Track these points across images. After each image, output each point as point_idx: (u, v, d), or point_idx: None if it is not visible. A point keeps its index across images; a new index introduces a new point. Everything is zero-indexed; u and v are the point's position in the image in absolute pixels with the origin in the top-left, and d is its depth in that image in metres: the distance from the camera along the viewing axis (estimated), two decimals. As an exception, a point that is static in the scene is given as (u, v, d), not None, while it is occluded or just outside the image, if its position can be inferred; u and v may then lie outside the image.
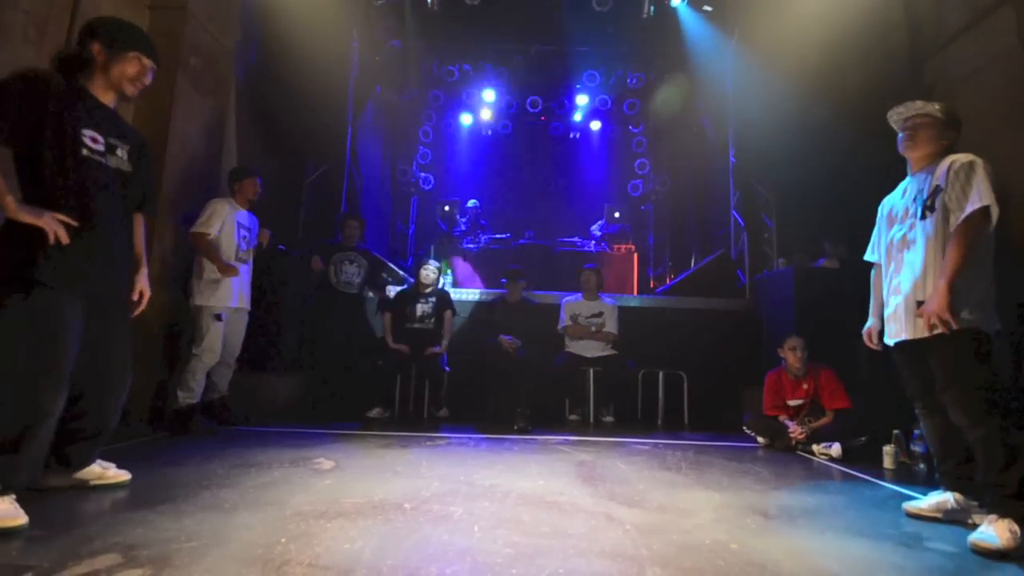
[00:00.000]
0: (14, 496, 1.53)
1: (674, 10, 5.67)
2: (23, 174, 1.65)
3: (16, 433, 1.56)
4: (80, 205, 1.68)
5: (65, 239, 1.61)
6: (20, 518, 1.48)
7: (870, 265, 2.24)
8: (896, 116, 2.05)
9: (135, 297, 1.97)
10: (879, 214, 2.20)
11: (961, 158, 1.86)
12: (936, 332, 1.77)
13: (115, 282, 1.85)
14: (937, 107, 1.97)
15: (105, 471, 1.92)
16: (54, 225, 1.60)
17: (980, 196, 1.75)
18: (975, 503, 1.87)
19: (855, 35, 4.23)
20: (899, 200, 2.07)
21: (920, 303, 1.85)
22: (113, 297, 1.85)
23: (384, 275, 5.00)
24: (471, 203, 7.69)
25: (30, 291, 1.59)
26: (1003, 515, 1.62)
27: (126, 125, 1.96)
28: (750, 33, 5.16)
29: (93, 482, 1.88)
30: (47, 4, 2.73)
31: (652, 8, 5.73)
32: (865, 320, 2.22)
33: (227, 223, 3.18)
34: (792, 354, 3.30)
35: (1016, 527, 1.59)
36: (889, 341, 2.04)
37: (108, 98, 1.84)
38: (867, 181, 4.03)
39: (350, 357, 4.24)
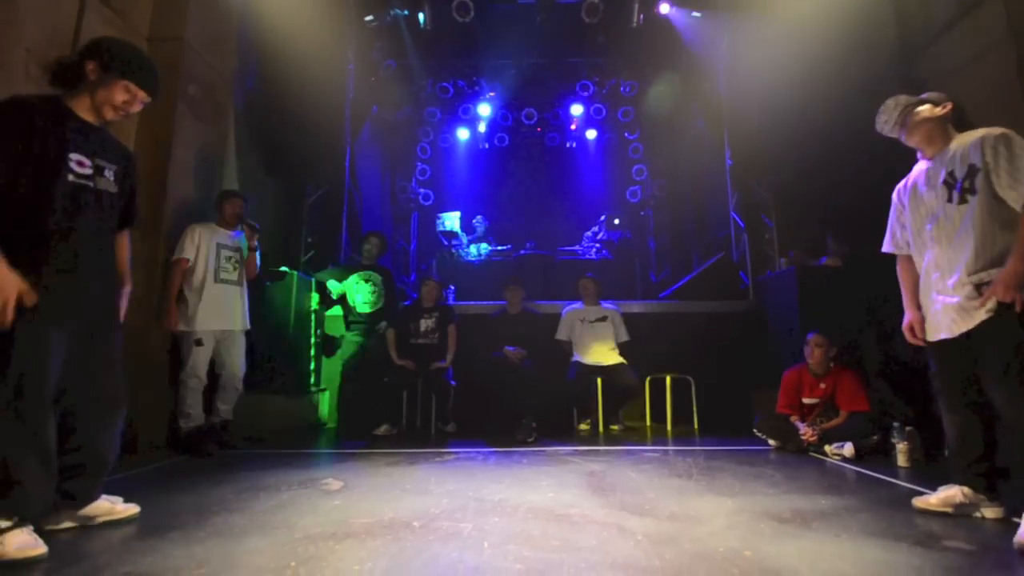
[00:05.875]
0: (31, 527, 1.53)
1: (663, 17, 5.73)
2: (2, 206, 1.56)
3: (16, 464, 1.51)
4: (64, 237, 1.63)
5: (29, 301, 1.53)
6: (39, 548, 1.48)
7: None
8: (881, 124, 2.02)
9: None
10: (893, 203, 2.12)
11: (992, 132, 1.80)
12: (990, 316, 1.72)
13: (101, 308, 1.80)
14: (918, 99, 1.94)
15: (113, 506, 1.84)
16: (10, 305, 1.49)
17: None
18: (984, 497, 1.86)
19: (845, 33, 4.27)
20: (922, 188, 1.98)
21: (978, 285, 1.77)
22: (99, 324, 1.79)
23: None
24: (476, 220, 7.73)
25: (15, 323, 1.52)
26: None
27: (113, 141, 1.87)
28: (740, 35, 5.21)
29: (101, 518, 1.80)
30: (48, 42, 2.79)
31: (641, 16, 5.80)
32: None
33: (203, 246, 3.20)
34: (817, 351, 3.27)
35: None
36: (933, 338, 1.95)
37: (91, 117, 1.77)
38: (866, 175, 4.05)
39: (361, 376, 4.19)
